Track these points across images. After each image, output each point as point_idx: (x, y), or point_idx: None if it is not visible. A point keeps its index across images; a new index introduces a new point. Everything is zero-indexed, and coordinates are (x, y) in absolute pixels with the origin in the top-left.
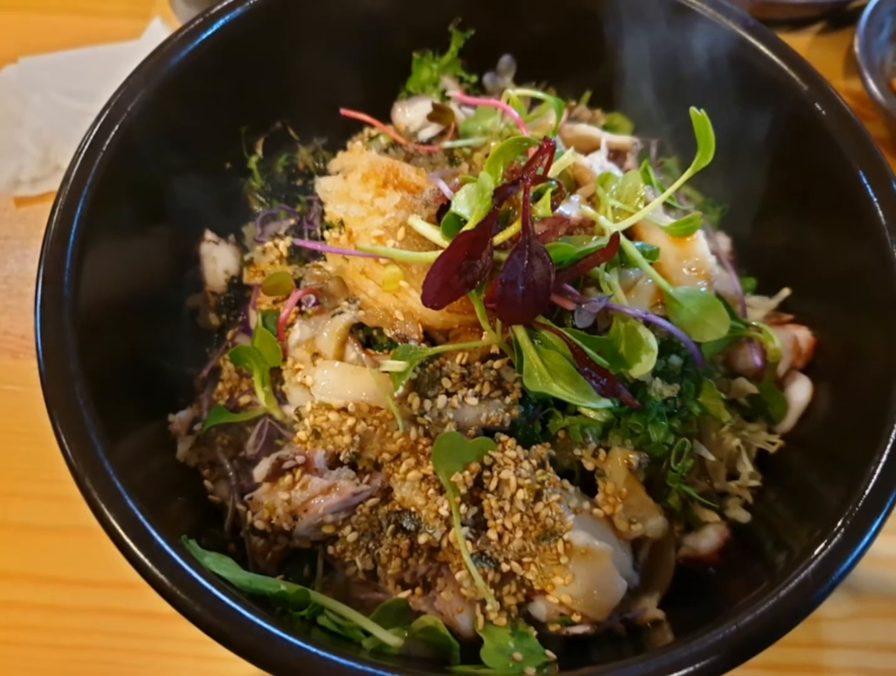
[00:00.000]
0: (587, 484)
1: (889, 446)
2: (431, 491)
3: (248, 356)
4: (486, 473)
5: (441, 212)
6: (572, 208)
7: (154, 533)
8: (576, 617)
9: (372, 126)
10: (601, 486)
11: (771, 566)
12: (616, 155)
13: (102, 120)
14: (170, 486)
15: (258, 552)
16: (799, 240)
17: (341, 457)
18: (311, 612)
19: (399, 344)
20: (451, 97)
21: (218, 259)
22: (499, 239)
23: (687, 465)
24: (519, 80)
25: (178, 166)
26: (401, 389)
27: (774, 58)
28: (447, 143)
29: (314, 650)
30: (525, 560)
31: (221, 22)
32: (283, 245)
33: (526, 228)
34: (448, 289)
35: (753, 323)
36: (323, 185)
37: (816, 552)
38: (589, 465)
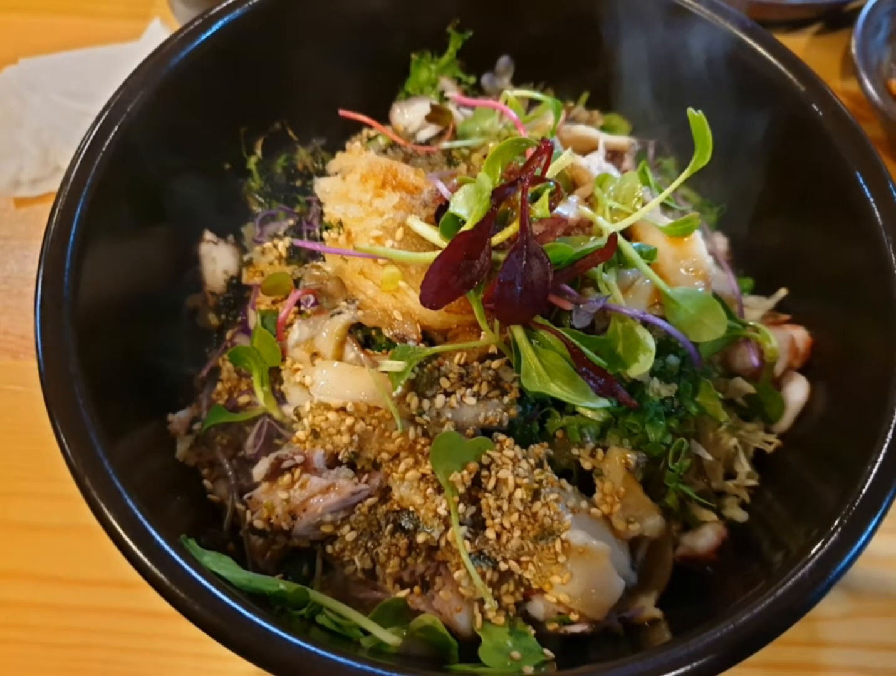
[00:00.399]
0: (585, 483)
1: (886, 446)
2: (430, 490)
3: (248, 356)
4: (485, 472)
5: (439, 213)
6: (570, 209)
7: (153, 532)
8: (574, 616)
9: (370, 127)
10: (599, 486)
11: (768, 565)
12: (614, 155)
13: (102, 121)
14: (169, 485)
15: (257, 551)
16: (796, 240)
17: (340, 457)
18: (309, 611)
19: (397, 344)
20: (450, 98)
21: (217, 259)
22: (497, 239)
23: (684, 465)
24: (517, 81)
25: (177, 167)
26: (399, 389)
27: (771, 59)
28: (445, 144)
29: (313, 648)
30: (523, 559)
31: (220, 23)
32: (282, 245)
33: (524, 229)
34: (446, 289)
35: (751, 323)
36: (322, 186)
37: (813, 551)
38: (587, 465)
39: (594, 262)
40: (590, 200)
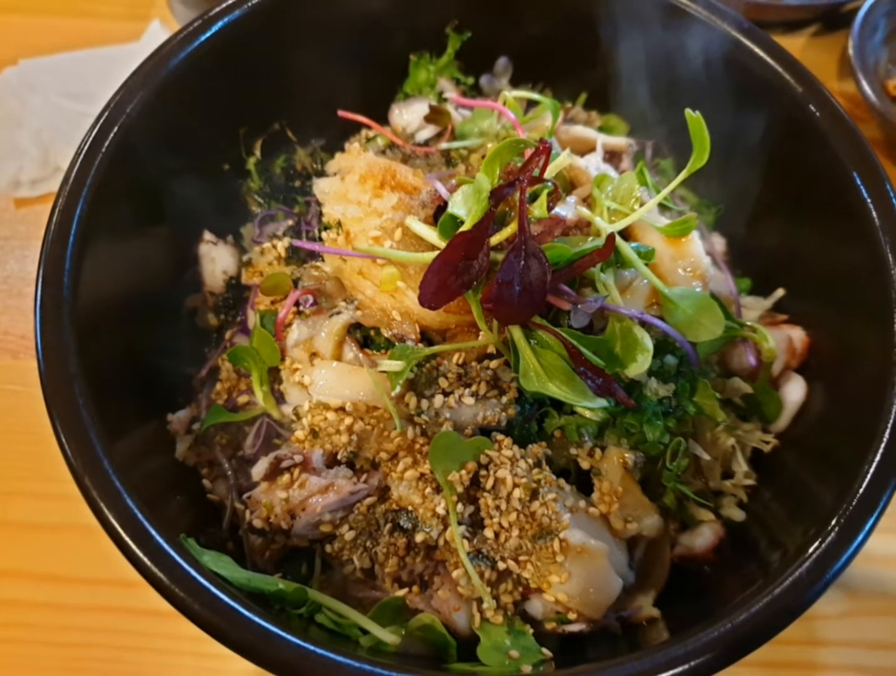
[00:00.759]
0: (583, 482)
1: (883, 445)
2: (428, 489)
3: (247, 356)
4: (483, 472)
5: (438, 213)
6: (568, 209)
7: (153, 532)
8: (572, 615)
9: (369, 127)
10: (597, 485)
11: (765, 564)
12: (612, 156)
13: (102, 121)
14: (168, 485)
15: (256, 550)
16: (793, 240)
17: (339, 456)
18: (308, 610)
19: (396, 344)
20: (448, 99)
21: (216, 259)
22: (495, 239)
23: (682, 464)
24: (515, 82)
25: (176, 167)
26: (398, 389)
27: (769, 60)
28: (444, 145)
29: (312, 647)
30: (521, 558)
31: (220, 24)
32: (282, 246)
33: (522, 229)
34: (445, 289)
35: (748, 323)
36: (321, 186)
37: (811, 550)
38: (585, 464)
39: (592, 263)
40: (588, 201)
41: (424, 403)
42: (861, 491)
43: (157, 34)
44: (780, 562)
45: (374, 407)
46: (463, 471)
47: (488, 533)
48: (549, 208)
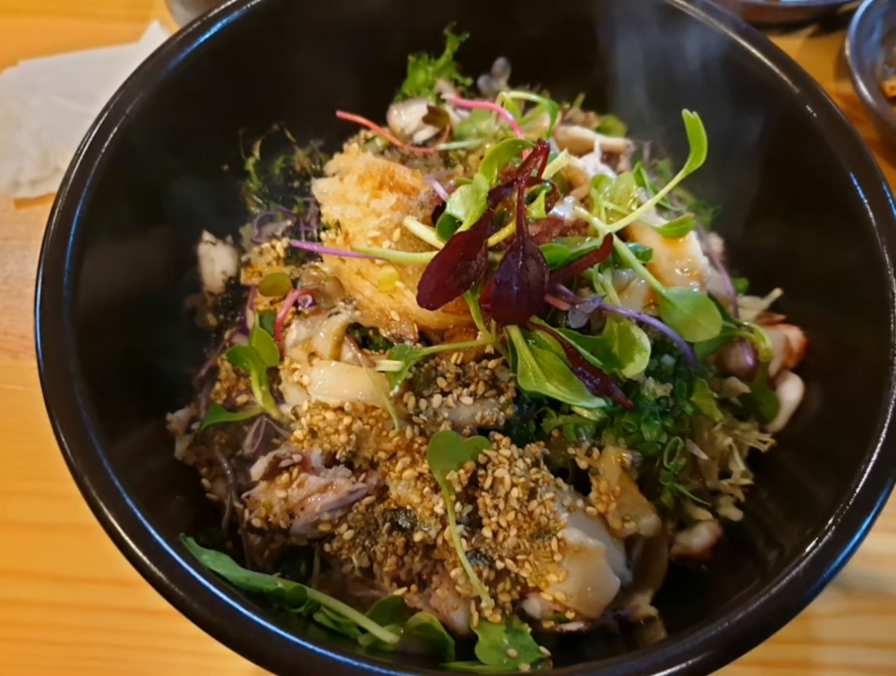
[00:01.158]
0: (581, 482)
1: (879, 445)
2: (427, 489)
3: (246, 356)
4: (481, 472)
5: (436, 214)
6: (566, 210)
7: (152, 531)
8: (569, 614)
9: (368, 128)
10: (595, 485)
11: (763, 563)
12: (609, 157)
13: (101, 122)
14: (168, 485)
15: (255, 549)
16: (790, 241)
17: (338, 456)
18: (307, 609)
19: (395, 344)
20: (446, 99)
21: (216, 260)
22: (493, 240)
23: (679, 464)
24: (513, 83)
25: (176, 168)
26: (396, 388)
27: (766, 61)
28: (442, 145)
29: (311, 646)
30: (519, 557)
31: (219, 25)
32: (280, 246)
33: (520, 229)
34: (443, 289)
35: (745, 323)
36: (319, 187)
37: (808, 549)
38: (582, 464)
39: (590, 263)
40: (586, 201)
41: (423, 403)
42: (858, 490)
43: (156, 35)
44: (778, 561)
45: (372, 406)
46: (461, 471)
47: (486, 532)
48: (547, 209)
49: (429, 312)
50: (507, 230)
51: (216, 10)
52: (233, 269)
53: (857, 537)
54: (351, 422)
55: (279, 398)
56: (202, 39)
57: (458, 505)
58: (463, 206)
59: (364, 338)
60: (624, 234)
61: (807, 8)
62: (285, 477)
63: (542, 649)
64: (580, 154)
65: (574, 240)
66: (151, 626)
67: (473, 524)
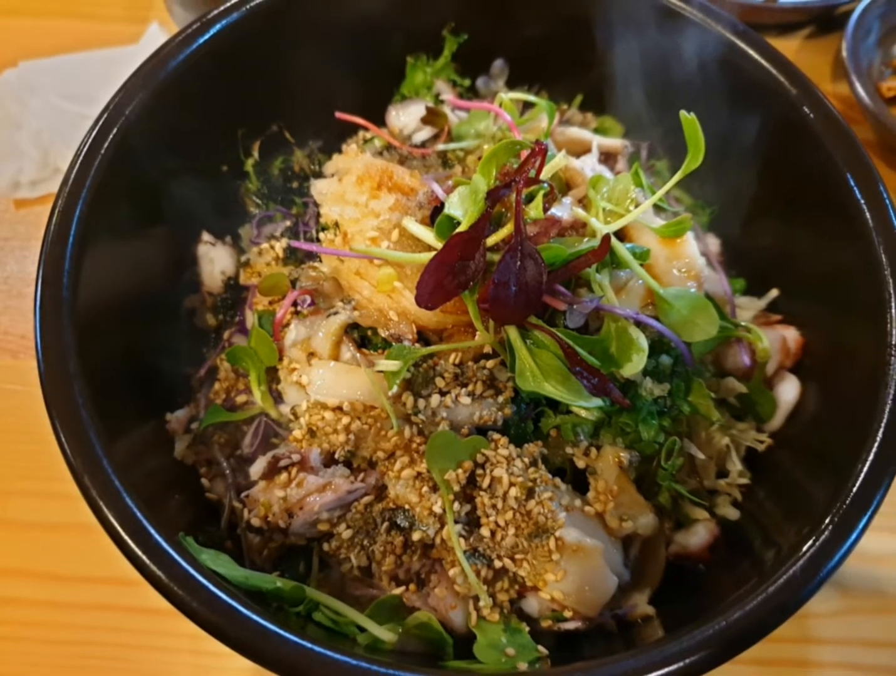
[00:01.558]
0: (579, 481)
1: (876, 444)
2: (425, 488)
3: (245, 356)
4: (479, 471)
5: (434, 214)
6: (564, 210)
7: (152, 531)
8: (567, 613)
9: (366, 129)
10: (592, 484)
11: (760, 562)
12: (607, 158)
13: (100, 123)
14: (167, 484)
15: (254, 549)
16: (787, 241)
17: (336, 455)
18: (306, 608)
19: (393, 344)
20: (445, 101)
21: (215, 260)
22: (491, 240)
23: (677, 463)
24: (511, 84)
25: (175, 169)
26: (395, 388)
27: (763, 62)
28: (440, 146)
29: (309, 645)
30: (517, 556)
31: (218, 26)
32: (279, 246)
33: (518, 230)
34: (441, 289)
35: (742, 323)
36: (318, 187)
37: (805, 549)
38: (580, 463)
39: (588, 263)
40: (583, 202)
41: (421, 403)
42: (855, 489)
43: (155, 36)
44: (775, 561)
45: (371, 406)
46: (459, 470)
47: (484, 531)
48: (545, 209)
49: (427, 312)
50: (506, 230)
51: (215, 12)
52: (232, 270)
53: (853, 536)
54: (350, 422)
55: (278, 398)
56: (201, 40)
57: (456, 505)
58: (461, 207)
59: (363, 337)
60: (621, 235)
61: (804, 9)
62: (284, 476)
63: (540, 648)
64: (578, 154)
65: (572, 240)
66: (151, 625)
67: (472, 523)
